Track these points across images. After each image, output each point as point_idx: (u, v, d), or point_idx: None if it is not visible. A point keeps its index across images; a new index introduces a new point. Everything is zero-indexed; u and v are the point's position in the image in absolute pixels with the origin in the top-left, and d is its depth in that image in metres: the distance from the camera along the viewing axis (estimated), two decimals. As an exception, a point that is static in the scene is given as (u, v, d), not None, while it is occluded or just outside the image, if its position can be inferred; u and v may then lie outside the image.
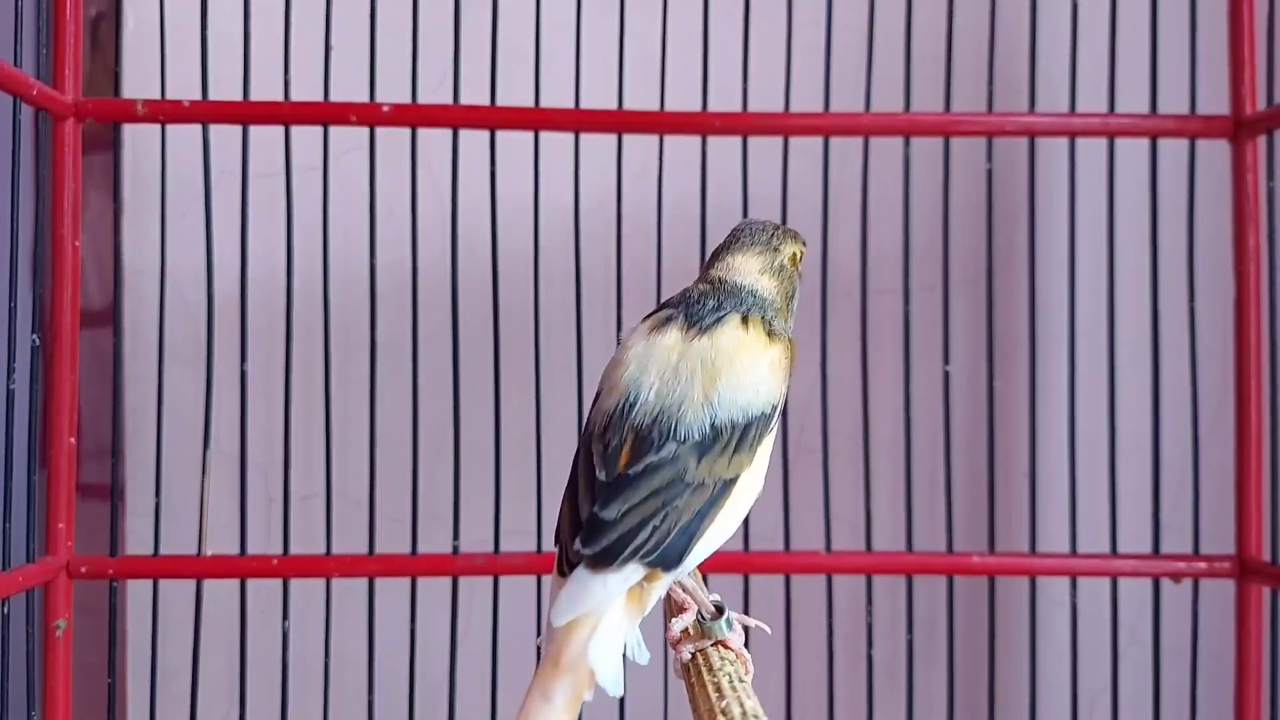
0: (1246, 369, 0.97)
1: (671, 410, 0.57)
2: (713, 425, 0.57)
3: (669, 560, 0.55)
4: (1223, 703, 1.00)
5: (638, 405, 0.58)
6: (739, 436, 0.57)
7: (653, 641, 0.58)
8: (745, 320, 0.61)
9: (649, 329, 0.61)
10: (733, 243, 0.65)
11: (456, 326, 0.97)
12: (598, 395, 0.61)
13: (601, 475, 0.56)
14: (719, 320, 0.60)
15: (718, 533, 0.58)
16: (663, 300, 0.66)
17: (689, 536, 0.56)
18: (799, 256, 0.66)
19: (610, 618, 0.55)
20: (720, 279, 0.64)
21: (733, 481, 0.57)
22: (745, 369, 0.58)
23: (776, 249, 0.65)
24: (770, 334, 0.61)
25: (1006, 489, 1.13)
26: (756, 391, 0.58)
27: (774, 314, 0.63)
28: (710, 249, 0.69)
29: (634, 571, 0.55)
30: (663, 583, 0.57)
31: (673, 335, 0.60)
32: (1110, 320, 1.00)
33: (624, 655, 0.56)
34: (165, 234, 0.98)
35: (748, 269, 0.64)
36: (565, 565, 0.56)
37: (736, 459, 0.57)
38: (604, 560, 0.54)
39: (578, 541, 0.55)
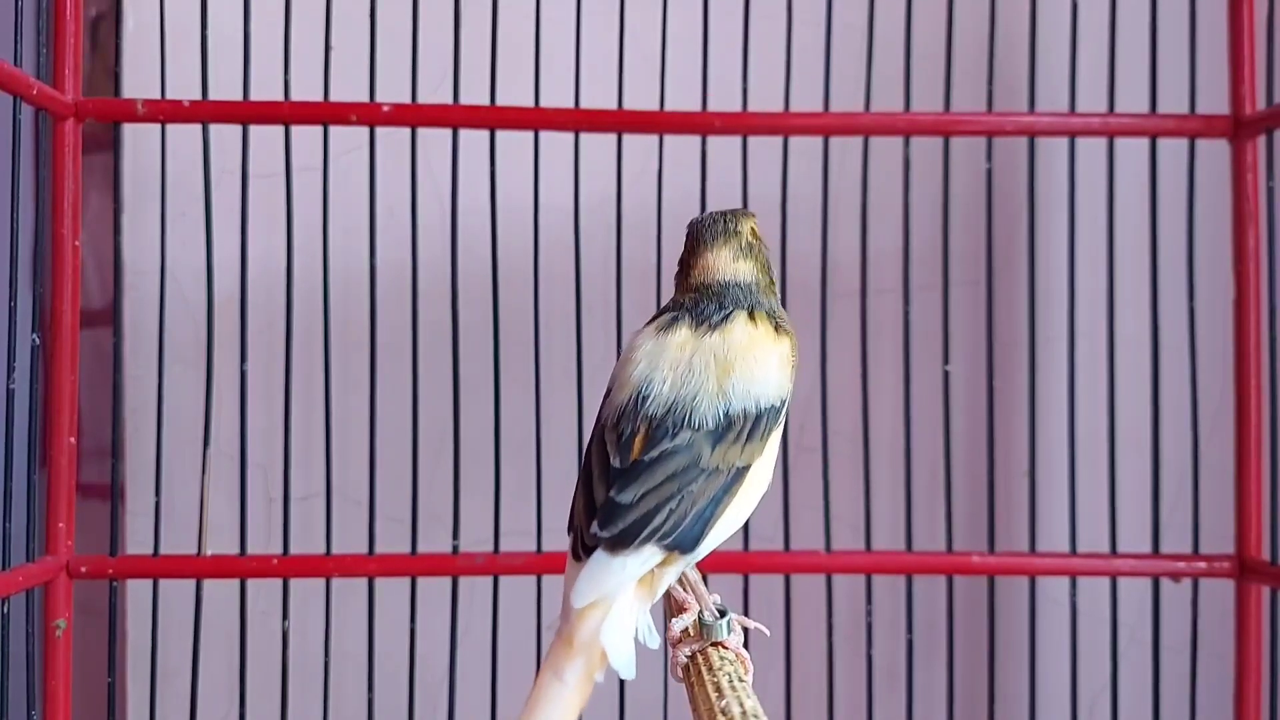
0: (1246, 369, 0.97)
1: (686, 400, 0.59)
2: (726, 414, 0.58)
3: (685, 543, 0.56)
4: (1223, 703, 1.00)
5: (651, 397, 0.59)
6: (751, 426, 0.59)
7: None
8: (752, 315, 0.62)
9: (656, 329, 0.63)
10: (697, 244, 0.66)
11: (456, 326, 0.97)
12: (608, 392, 0.62)
13: (616, 462, 0.58)
14: (727, 318, 0.62)
15: (730, 519, 0.59)
16: (660, 308, 0.67)
17: (704, 521, 0.57)
18: (755, 228, 0.67)
19: (623, 601, 0.56)
20: (703, 283, 0.64)
21: (745, 469, 0.58)
22: (757, 362, 0.60)
23: (737, 231, 0.66)
24: (778, 329, 0.62)
25: (1006, 489, 1.13)
26: (767, 383, 0.60)
27: (765, 296, 0.64)
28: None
29: (651, 554, 0.56)
30: (675, 568, 0.58)
31: (682, 333, 0.62)
32: (1110, 320, 1.00)
33: (635, 639, 0.57)
34: (165, 234, 0.98)
35: (722, 262, 0.65)
36: (581, 550, 0.57)
37: (749, 448, 0.58)
38: (622, 542, 0.56)
39: (595, 525, 0.56)
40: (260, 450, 1.09)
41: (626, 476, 0.57)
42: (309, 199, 1.00)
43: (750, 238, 0.66)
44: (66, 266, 0.92)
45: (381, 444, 0.98)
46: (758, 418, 0.59)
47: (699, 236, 0.66)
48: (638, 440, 0.58)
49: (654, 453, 0.57)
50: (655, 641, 0.58)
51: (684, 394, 0.59)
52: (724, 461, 0.58)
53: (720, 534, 0.58)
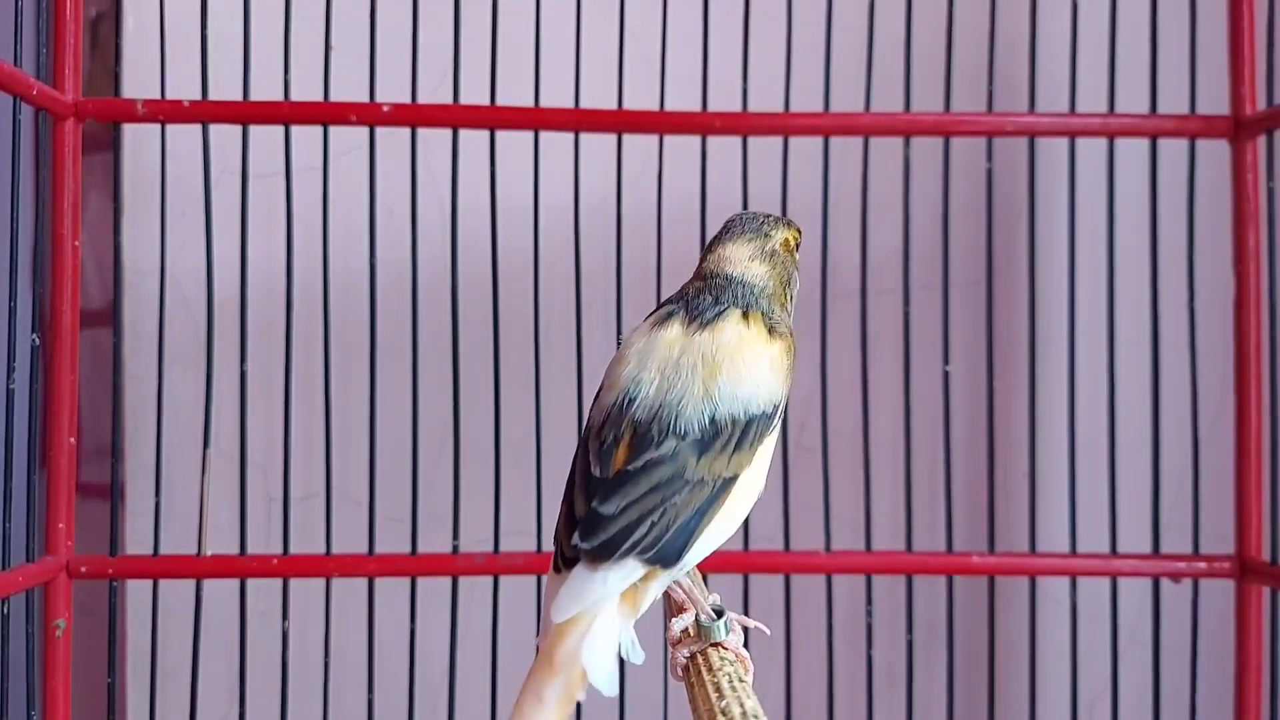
0: (1246, 369, 0.97)
1: (671, 405, 0.57)
2: (713, 421, 0.56)
3: (667, 557, 0.55)
4: (1223, 703, 1.00)
5: (637, 400, 0.58)
6: (739, 434, 0.57)
7: (653, 641, 0.58)
8: (746, 315, 0.60)
9: (650, 325, 0.61)
10: (724, 234, 0.65)
11: (456, 326, 0.97)
12: (599, 392, 0.61)
13: (597, 471, 0.56)
14: (719, 315, 0.60)
15: (716, 532, 0.57)
16: (663, 299, 0.66)
17: (688, 534, 0.55)
18: (793, 243, 0.66)
19: (604, 617, 0.55)
20: (712, 272, 0.64)
21: (732, 480, 0.57)
22: (746, 365, 0.58)
23: (767, 235, 0.65)
24: (771, 330, 0.60)
25: (1006, 489, 1.13)
26: (757, 388, 0.58)
27: (769, 302, 0.62)
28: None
29: (633, 568, 0.55)
30: (659, 582, 0.56)
31: (674, 330, 0.60)
32: (1110, 320, 1.00)
33: (619, 656, 0.55)
34: (165, 234, 0.98)
35: (738, 257, 0.64)
36: (561, 562, 0.56)
37: (736, 457, 0.57)
38: (602, 555, 0.54)
39: (576, 536, 0.55)
40: (260, 450, 1.09)
41: (609, 487, 0.55)
42: (309, 199, 1.00)
43: (780, 247, 0.65)
44: (66, 266, 0.92)
45: (381, 444, 0.98)
46: (747, 425, 0.57)
47: (730, 225, 0.65)
48: (621, 448, 0.56)
49: (638, 462, 0.56)
50: (639, 657, 0.56)
51: (670, 398, 0.57)
52: (710, 473, 0.56)
53: (705, 547, 0.57)
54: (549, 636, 0.54)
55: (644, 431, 0.57)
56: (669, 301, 0.63)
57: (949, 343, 1.00)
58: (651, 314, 0.63)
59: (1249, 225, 0.97)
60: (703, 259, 0.65)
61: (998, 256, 1.08)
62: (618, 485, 0.55)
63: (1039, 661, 1.03)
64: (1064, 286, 1.04)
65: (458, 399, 0.98)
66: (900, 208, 1.00)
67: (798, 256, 0.67)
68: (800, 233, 0.67)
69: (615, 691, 0.54)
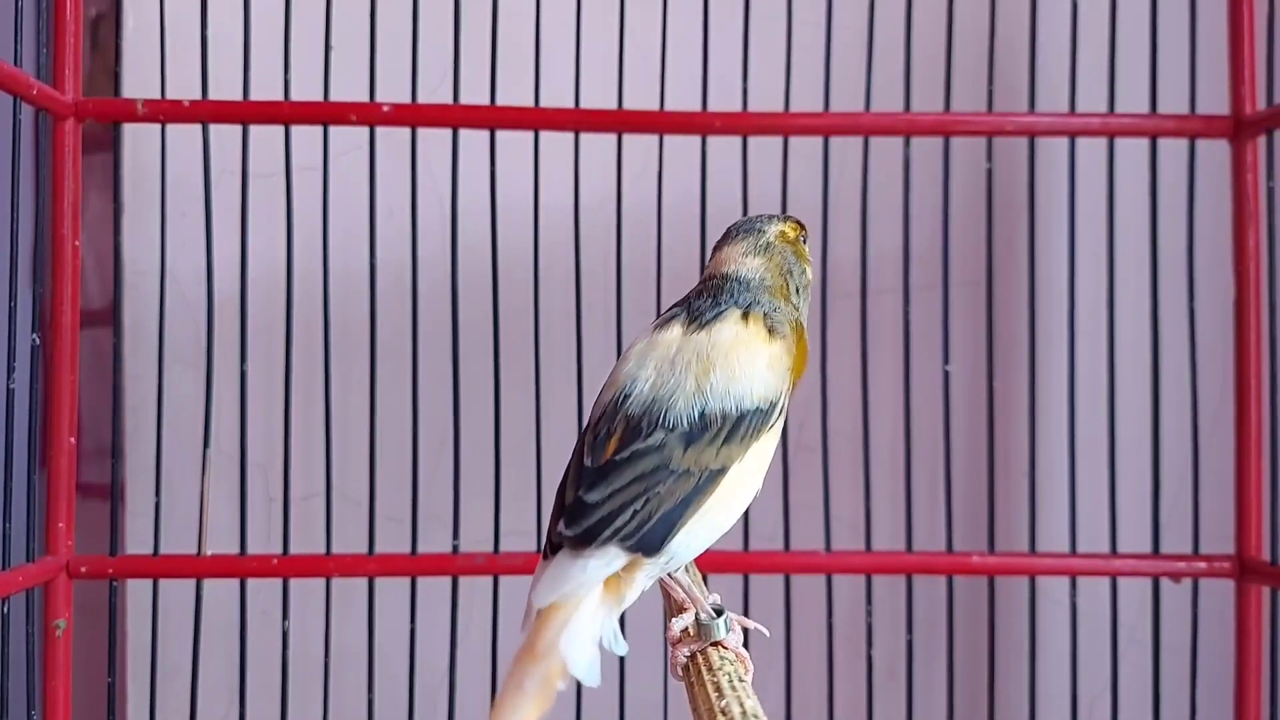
0: (1246, 369, 0.97)
1: (663, 399, 0.57)
2: (702, 415, 0.57)
3: (648, 546, 0.55)
4: (1223, 703, 1.00)
5: (632, 396, 0.58)
6: (729, 428, 0.57)
7: (653, 641, 0.58)
8: (746, 316, 0.61)
9: (654, 327, 0.62)
10: (722, 238, 0.66)
11: (456, 326, 0.97)
12: (600, 391, 0.62)
13: (588, 462, 0.57)
14: (718, 315, 0.61)
15: (704, 525, 0.57)
16: (669, 304, 0.67)
17: (670, 524, 0.55)
18: (792, 235, 0.66)
19: (586, 607, 0.55)
20: (711, 274, 0.65)
21: (720, 473, 0.57)
22: (741, 363, 0.59)
23: (760, 230, 0.65)
24: (771, 331, 0.61)
25: (1006, 489, 1.13)
26: (751, 386, 0.58)
27: (769, 296, 0.62)
28: (710, 249, 0.69)
29: (614, 556, 0.55)
30: (644, 573, 0.56)
31: (674, 331, 0.61)
32: (1110, 320, 1.00)
33: (600, 646, 0.55)
34: (165, 234, 0.98)
35: (733, 256, 0.65)
36: (548, 549, 0.56)
37: (726, 450, 0.57)
38: (584, 541, 0.55)
39: (560, 523, 0.56)
40: (260, 450, 1.09)
41: (596, 476, 0.56)
42: (309, 199, 1.00)
43: (776, 239, 0.65)
44: (66, 266, 0.92)
45: (381, 444, 0.98)
46: (739, 420, 0.57)
47: (726, 232, 0.66)
48: (613, 440, 0.57)
49: (625, 453, 0.56)
50: (622, 649, 0.56)
51: (662, 393, 0.58)
52: (696, 464, 0.56)
53: (693, 539, 0.57)
54: (532, 626, 0.54)
55: (635, 424, 0.57)
56: (674, 305, 0.64)
57: (949, 343, 1.00)
58: (657, 318, 0.64)
59: (1249, 225, 0.97)
60: (706, 266, 0.66)
61: (998, 256, 1.08)
62: (604, 474, 0.56)
63: (1039, 661, 1.04)
64: (1064, 286, 1.04)
65: (458, 399, 0.98)
66: (900, 208, 1.00)
67: (805, 248, 0.67)
68: (802, 225, 0.67)
69: (597, 682, 0.54)
